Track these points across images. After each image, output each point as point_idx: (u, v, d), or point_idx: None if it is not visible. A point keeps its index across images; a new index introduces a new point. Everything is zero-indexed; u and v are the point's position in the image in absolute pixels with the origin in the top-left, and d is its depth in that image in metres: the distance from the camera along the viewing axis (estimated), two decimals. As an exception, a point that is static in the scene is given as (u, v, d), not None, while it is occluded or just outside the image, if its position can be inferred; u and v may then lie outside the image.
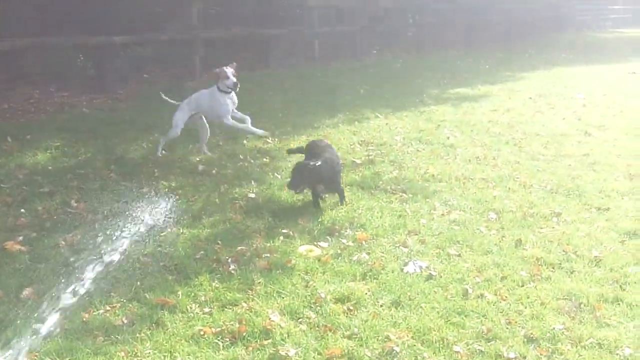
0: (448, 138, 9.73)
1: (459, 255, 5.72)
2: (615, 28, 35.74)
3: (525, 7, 26.58)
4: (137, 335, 4.31)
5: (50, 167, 7.72)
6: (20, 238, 5.72)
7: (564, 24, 30.15)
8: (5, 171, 7.49)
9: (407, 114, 11.38)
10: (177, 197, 6.87)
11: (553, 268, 5.53)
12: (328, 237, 6.02)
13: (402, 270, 5.39)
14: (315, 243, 5.87)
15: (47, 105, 11.03)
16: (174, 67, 14.65)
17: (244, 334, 4.36)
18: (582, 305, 4.91)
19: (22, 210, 6.37)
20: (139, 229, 6.02)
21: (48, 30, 12.24)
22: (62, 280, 5.00)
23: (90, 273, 5.11)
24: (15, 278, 5.04)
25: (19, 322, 4.41)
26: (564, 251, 5.82)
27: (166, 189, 7.11)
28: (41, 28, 12.30)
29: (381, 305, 4.83)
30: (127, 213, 6.33)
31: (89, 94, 12.01)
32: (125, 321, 4.47)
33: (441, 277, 5.29)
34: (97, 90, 12.21)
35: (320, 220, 6.38)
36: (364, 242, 5.88)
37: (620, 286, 5.21)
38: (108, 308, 4.65)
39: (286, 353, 4.17)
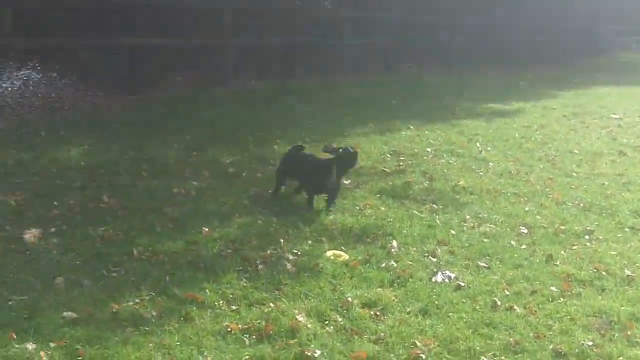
0: (480, 152, 9.68)
1: (489, 268, 5.67)
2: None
3: (559, 27, 26.40)
4: (166, 327, 4.32)
5: (82, 163, 7.81)
6: (53, 229, 5.78)
7: (596, 44, 29.93)
8: (39, 165, 7.59)
9: (439, 126, 11.33)
10: (207, 197, 6.92)
11: (584, 285, 5.46)
12: (356, 243, 6.01)
13: (430, 279, 5.36)
14: (343, 248, 5.86)
15: (81, 103, 11.12)
16: (205, 73, 14.76)
17: (271, 332, 4.36)
18: (612, 323, 4.84)
19: (55, 202, 6.44)
20: (168, 224, 6.10)
21: (79, 31, 12.38)
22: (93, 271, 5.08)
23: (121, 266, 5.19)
24: (47, 267, 5.09)
25: (50, 309, 4.46)
26: (595, 269, 5.75)
27: (195, 190, 7.15)
28: (74, 29, 12.45)
29: (408, 312, 4.79)
30: (158, 210, 6.42)
31: (122, 95, 12.12)
32: (154, 314, 4.48)
33: (470, 288, 5.25)
34: (130, 91, 12.33)
35: (349, 226, 6.36)
36: (392, 250, 5.86)
37: (653, 306, 5.14)
38: (137, 300, 4.67)
39: (312, 354, 4.15)
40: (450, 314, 4.81)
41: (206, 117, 10.76)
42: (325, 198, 6.83)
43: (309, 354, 4.15)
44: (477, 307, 4.93)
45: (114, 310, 4.50)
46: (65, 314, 4.40)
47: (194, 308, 4.61)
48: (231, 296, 4.82)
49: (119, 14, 12.88)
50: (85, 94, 11.86)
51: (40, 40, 11.19)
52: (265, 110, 11.71)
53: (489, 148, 9.97)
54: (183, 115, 10.71)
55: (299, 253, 5.67)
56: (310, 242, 5.95)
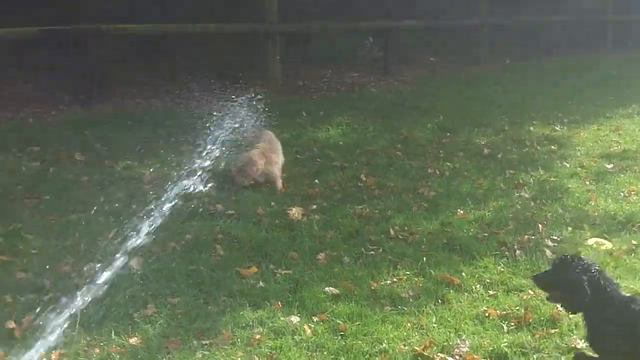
0: None
1: None
2: None
3: None
4: (423, 308, 4.36)
5: (340, 143, 8.06)
6: (314, 207, 6.04)
7: None
8: (300, 144, 7.95)
9: None
10: (462, 179, 6.87)
11: None
12: (621, 231, 5.65)
13: None
14: (606, 236, 5.53)
15: (338, 85, 11.53)
16: (454, 54, 14.63)
17: (530, 320, 4.23)
18: None
19: (316, 181, 6.73)
20: (422, 205, 6.13)
21: (337, 14, 12.78)
22: (352, 249, 5.24)
23: (378, 244, 5.30)
24: (310, 242, 5.32)
25: (313, 283, 4.67)
26: None
27: (449, 171, 7.12)
28: (330, 11, 12.88)
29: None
30: (413, 190, 6.47)
31: (376, 75, 12.37)
32: (411, 294, 4.54)
33: None
34: (384, 72, 12.54)
35: (613, 213, 5.99)
36: (662, 240, 5.43)
37: None
38: (395, 279, 4.76)
39: (575, 345, 3.98)
40: None
41: (458, 98, 10.66)
42: None
43: (572, 345, 3.98)
44: None
45: (372, 288, 4.62)
46: (327, 289, 4.59)
47: (451, 291, 4.60)
48: (488, 281, 4.75)
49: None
50: (343, 75, 12.31)
51: (302, 25, 11.71)
52: (518, 90, 11.34)
53: None
54: (435, 96, 10.70)
55: (559, 239, 5.45)
56: (570, 228, 5.69)
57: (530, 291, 4.59)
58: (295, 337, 4.04)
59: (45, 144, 7.22)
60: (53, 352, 3.85)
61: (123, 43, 10.74)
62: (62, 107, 8.99)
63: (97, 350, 3.88)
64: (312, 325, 4.16)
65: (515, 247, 5.27)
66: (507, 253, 5.17)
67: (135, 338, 4.00)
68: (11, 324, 4.09)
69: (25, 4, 9.61)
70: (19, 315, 4.20)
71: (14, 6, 9.60)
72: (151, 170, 6.68)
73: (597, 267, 3.40)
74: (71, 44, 9.44)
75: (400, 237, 5.47)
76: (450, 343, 3.99)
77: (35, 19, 9.10)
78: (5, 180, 6.29)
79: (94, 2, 9.18)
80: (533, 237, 5.46)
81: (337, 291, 4.56)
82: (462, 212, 5.98)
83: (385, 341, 4.00)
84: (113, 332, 4.02)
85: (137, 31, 9.94)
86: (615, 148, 8.12)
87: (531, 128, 8.88)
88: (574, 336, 4.07)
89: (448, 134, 8.59)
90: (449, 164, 7.36)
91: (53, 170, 6.59)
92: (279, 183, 6.49)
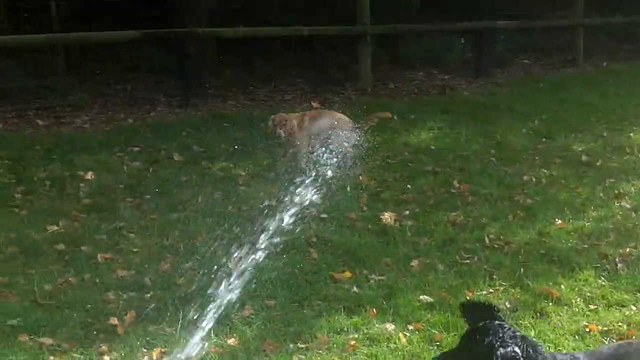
0: None
1: None
2: None
3: None
4: (520, 321, 4.27)
5: (432, 147, 8.00)
6: (407, 212, 6.02)
7: None
8: (391, 147, 7.93)
9: None
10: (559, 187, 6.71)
11: None
12: None
13: None
14: None
15: (429, 87, 11.45)
16: (551, 55, 14.31)
17: (633, 337, 4.09)
18: None
19: (408, 186, 6.70)
20: (518, 213, 6.01)
21: (427, 16, 12.68)
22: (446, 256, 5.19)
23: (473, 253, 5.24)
24: (403, 249, 5.30)
25: (407, 291, 4.65)
26: None
27: (546, 178, 6.97)
28: (420, 12, 12.78)
29: None
30: (508, 197, 6.36)
31: (468, 78, 12.22)
32: (508, 305, 4.46)
33: None
34: (476, 74, 12.37)
35: None
36: None
37: None
38: (491, 290, 4.69)
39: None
40: None
41: (554, 101, 10.41)
42: None
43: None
44: None
45: (468, 298, 4.55)
46: (421, 297, 4.56)
47: (550, 304, 4.49)
48: (589, 294, 4.61)
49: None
50: (433, 77, 12.22)
51: (390, 26, 11.67)
52: (617, 94, 10.98)
53: None
54: (530, 99, 10.48)
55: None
56: (676, 241, 5.48)
57: (633, 307, 4.45)
58: (390, 344, 4.03)
59: (145, 145, 7.46)
60: (154, 349, 3.96)
61: (219, 46, 10.98)
62: (161, 108, 9.26)
63: (196, 350, 3.97)
64: (407, 334, 4.14)
65: (617, 259, 5.10)
66: (607, 266, 5.01)
67: (233, 339, 4.08)
68: (114, 320, 4.24)
69: (129, 7, 9.95)
70: (120, 312, 4.35)
71: (118, 10, 9.96)
72: (246, 170, 6.82)
73: (517, 334, 2.60)
74: (171, 46, 9.72)
75: (496, 246, 5.38)
76: (550, 358, 3.91)
77: (135, 22, 9.42)
78: (108, 179, 6.52)
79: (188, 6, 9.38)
80: (635, 250, 5.28)
81: (432, 300, 4.52)
82: (560, 221, 5.84)
83: (483, 354, 3.94)
84: (212, 333, 4.11)
85: (233, 34, 10.13)
86: None
87: (631, 134, 8.58)
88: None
89: (544, 139, 8.41)
90: (545, 171, 7.20)
91: (152, 170, 6.79)
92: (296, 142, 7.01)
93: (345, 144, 6.93)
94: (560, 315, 4.36)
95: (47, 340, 4.01)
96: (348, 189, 6.38)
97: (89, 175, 6.57)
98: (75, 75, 10.55)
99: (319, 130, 7.06)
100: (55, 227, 5.54)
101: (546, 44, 14.75)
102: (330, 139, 6.96)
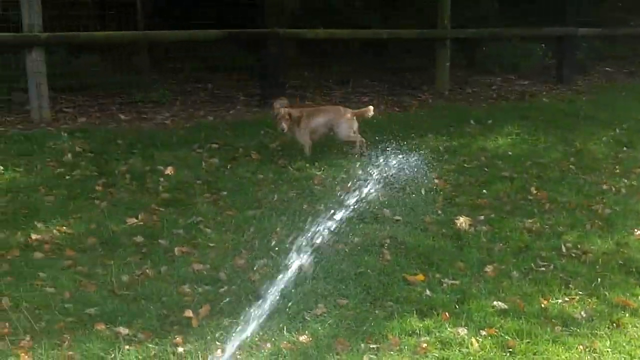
0: None
1: None
2: None
3: None
4: (596, 331, 4.21)
5: (510, 153, 7.90)
6: (482, 217, 5.98)
7: None
8: (468, 152, 7.86)
9: None
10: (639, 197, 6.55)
11: None
12: None
13: None
14: None
15: (507, 93, 11.31)
16: (632, 64, 13.96)
17: None
18: None
19: (484, 191, 6.64)
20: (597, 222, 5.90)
21: (507, 21, 12.51)
22: (521, 263, 5.13)
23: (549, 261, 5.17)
24: (477, 254, 5.27)
25: (480, 296, 4.62)
26: None
27: (626, 188, 6.81)
28: (501, 18, 12.62)
29: None
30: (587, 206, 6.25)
31: (548, 84, 12.03)
32: (584, 315, 4.40)
33: None
34: (557, 81, 12.16)
35: None
36: None
37: None
38: (566, 299, 4.63)
39: None
40: None
41: (636, 110, 10.13)
42: None
43: None
44: None
45: (542, 306, 4.51)
46: (495, 303, 4.53)
47: (626, 315, 4.42)
48: (667, 307, 4.51)
49: (549, 3, 12.74)
50: (512, 83, 12.07)
51: (470, 31, 11.56)
52: None
53: None
54: (611, 107, 10.23)
55: None
56: None
57: None
58: (462, 349, 4.02)
59: (223, 142, 7.60)
60: (227, 343, 4.04)
61: (299, 46, 11.10)
62: (240, 107, 9.43)
63: (269, 345, 4.03)
64: (480, 339, 4.12)
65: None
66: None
67: (305, 336, 4.12)
68: (189, 313, 4.33)
69: (213, 6, 10.18)
70: (195, 305, 4.45)
71: (201, 9, 10.20)
72: (322, 170, 6.88)
73: None
74: (251, 46, 9.88)
75: (573, 255, 5.30)
76: (625, 370, 3.86)
77: (217, 22, 9.61)
78: (187, 175, 6.67)
79: (273, 7, 9.49)
80: None
81: (506, 306, 4.49)
82: (639, 232, 5.70)
83: (556, 362, 3.91)
84: (285, 329, 4.17)
85: (314, 36, 10.23)
86: None
87: None
88: None
89: (625, 148, 8.21)
90: (625, 180, 7.04)
91: (230, 167, 6.92)
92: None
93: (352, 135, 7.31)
94: (637, 327, 4.29)
95: (123, 330, 4.11)
96: (423, 192, 6.35)
97: (169, 170, 6.73)
98: (158, 72, 10.81)
99: (318, 125, 7.32)
100: (134, 220, 5.68)
101: (630, 52, 14.40)
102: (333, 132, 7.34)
